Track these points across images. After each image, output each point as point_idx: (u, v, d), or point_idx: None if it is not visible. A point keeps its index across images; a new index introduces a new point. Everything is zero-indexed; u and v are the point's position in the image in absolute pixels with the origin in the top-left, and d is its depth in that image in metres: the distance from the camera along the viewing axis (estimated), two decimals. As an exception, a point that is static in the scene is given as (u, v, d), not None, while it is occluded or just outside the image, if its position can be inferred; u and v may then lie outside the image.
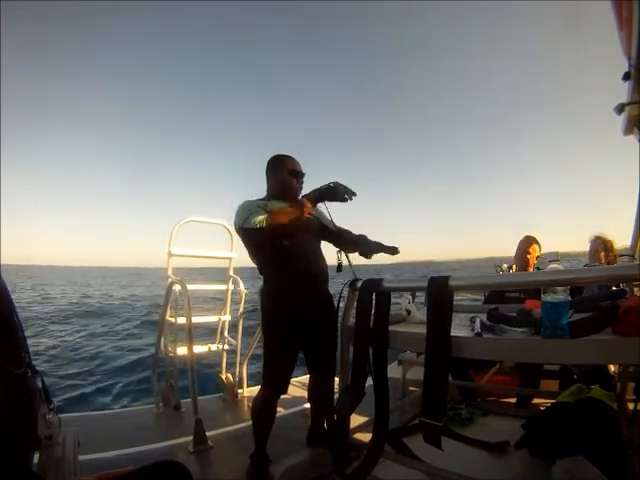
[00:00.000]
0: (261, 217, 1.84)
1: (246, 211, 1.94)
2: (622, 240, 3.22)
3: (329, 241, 2.22)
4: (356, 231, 2.23)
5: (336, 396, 1.71)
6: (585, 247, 3.33)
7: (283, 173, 2.07)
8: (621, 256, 3.10)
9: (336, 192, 1.83)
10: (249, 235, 1.96)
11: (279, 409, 2.44)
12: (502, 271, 3.27)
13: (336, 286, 2.10)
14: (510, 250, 3.26)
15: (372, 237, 2.16)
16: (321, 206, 2.03)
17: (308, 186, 2.17)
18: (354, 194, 1.84)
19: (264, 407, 2.06)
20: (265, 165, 2.16)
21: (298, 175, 2.11)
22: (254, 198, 2.10)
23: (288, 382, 2.06)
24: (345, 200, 1.84)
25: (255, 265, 2.10)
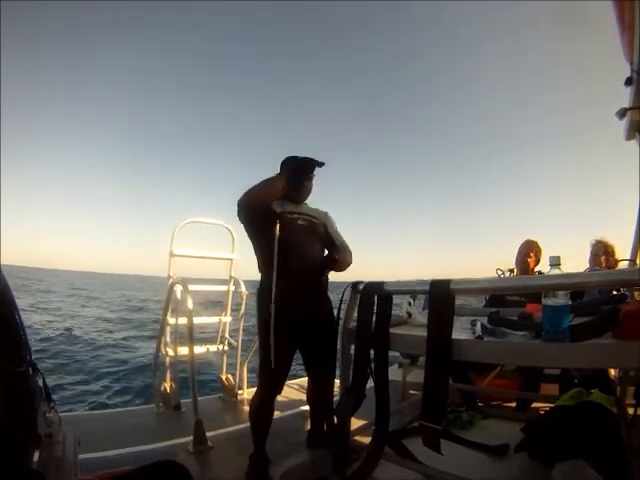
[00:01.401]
0: None
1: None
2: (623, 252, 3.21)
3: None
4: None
5: (336, 398, 1.71)
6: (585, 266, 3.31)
7: (290, 175, 2.05)
8: (622, 260, 3.09)
9: (304, 167, 2.04)
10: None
11: (279, 411, 2.44)
12: (503, 275, 3.27)
13: (338, 289, 2.10)
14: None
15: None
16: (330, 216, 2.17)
17: (318, 188, 2.15)
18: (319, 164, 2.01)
19: (261, 408, 2.07)
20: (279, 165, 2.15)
21: (308, 178, 2.11)
22: None
23: (283, 382, 2.06)
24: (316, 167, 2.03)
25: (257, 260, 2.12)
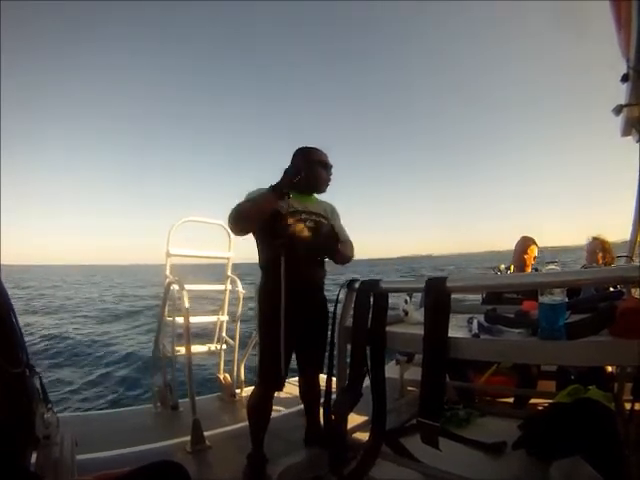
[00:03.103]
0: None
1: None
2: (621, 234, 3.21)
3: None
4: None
5: (333, 396, 1.71)
6: (584, 241, 3.33)
7: (313, 164, 2.02)
8: (619, 257, 3.10)
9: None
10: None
11: (278, 408, 2.43)
12: (500, 272, 3.27)
13: (334, 286, 2.10)
14: (511, 244, 3.27)
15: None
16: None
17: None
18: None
19: (259, 405, 2.06)
20: (290, 157, 2.10)
21: (327, 167, 2.08)
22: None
23: (284, 379, 2.03)
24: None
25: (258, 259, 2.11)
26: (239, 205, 1.90)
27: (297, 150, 2.10)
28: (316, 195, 2.17)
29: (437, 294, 1.31)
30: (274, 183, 1.84)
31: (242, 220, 1.91)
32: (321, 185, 2.09)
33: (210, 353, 3.68)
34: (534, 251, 3.11)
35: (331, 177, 2.12)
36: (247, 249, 2.18)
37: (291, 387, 3.41)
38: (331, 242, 2.04)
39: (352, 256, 2.17)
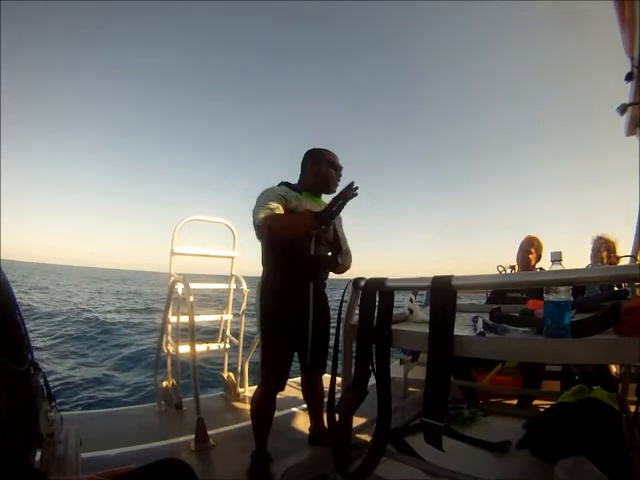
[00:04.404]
0: (265, 213, 1.86)
1: (261, 200, 1.93)
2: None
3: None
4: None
5: (337, 395, 1.71)
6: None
7: (323, 165, 2.08)
8: (623, 257, 3.10)
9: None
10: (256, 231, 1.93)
11: (282, 408, 2.44)
12: (504, 271, 3.27)
13: (338, 285, 2.12)
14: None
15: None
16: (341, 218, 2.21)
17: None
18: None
19: (263, 404, 2.07)
20: (302, 158, 2.18)
21: (337, 168, 2.12)
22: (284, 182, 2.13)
23: (286, 379, 2.06)
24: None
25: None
26: (274, 219, 1.87)
27: (308, 151, 2.15)
28: (323, 197, 2.19)
29: (443, 292, 1.31)
30: (318, 212, 1.85)
31: (276, 235, 1.88)
32: (331, 185, 2.13)
33: (214, 352, 3.68)
34: (539, 250, 3.11)
35: (340, 178, 2.15)
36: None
37: (295, 386, 3.41)
38: (335, 252, 2.09)
39: (349, 266, 2.23)
